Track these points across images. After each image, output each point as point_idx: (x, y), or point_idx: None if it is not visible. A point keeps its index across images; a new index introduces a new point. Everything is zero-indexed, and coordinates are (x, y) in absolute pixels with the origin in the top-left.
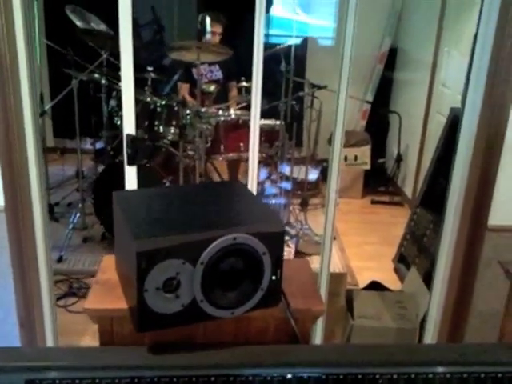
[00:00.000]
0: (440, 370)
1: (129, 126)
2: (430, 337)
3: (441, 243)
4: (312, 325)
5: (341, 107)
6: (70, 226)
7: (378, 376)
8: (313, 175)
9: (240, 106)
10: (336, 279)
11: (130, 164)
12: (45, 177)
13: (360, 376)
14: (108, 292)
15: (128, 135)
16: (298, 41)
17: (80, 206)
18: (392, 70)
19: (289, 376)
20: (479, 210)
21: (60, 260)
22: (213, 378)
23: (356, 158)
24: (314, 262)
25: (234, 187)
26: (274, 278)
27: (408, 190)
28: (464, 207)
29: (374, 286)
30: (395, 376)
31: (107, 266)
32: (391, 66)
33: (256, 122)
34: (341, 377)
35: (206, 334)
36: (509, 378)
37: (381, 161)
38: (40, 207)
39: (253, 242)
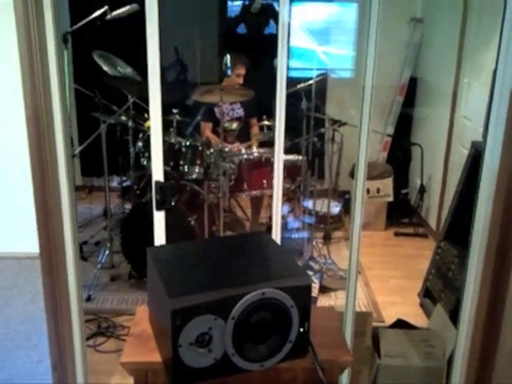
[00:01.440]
0: None
1: (158, 173)
2: (457, 375)
3: (466, 280)
4: (339, 374)
5: (363, 140)
6: (99, 265)
7: None
8: (335, 208)
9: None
10: (362, 318)
11: (158, 209)
12: (76, 219)
13: None
14: (142, 345)
15: (157, 182)
16: (318, 77)
17: (108, 244)
18: (413, 101)
19: None
20: (504, 247)
21: (89, 299)
22: None
23: (378, 190)
24: (339, 298)
25: (261, 240)
26: (301, 330)
27: (432, 222)
28: (488, 243)
29: (400, 324)
30: None
31: (141, 318)
32: (412, 97)
33: (280, 159)
34: None
35: None
36: None
37: (404, 191)
38: (72, 249)
39: (281, 296)
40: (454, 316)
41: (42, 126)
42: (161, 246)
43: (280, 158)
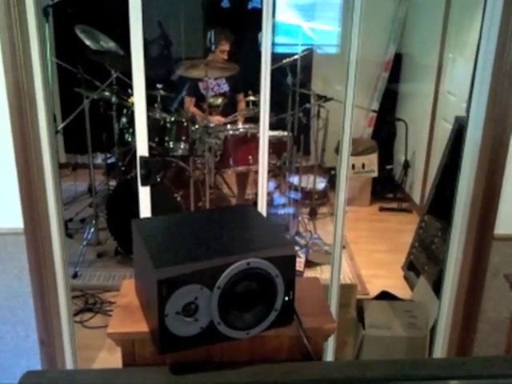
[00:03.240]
0: None
1: (142, 148)
2: (439, 345)
3: (449, 253)
4: (324, 342)
5: (348, 116)
6: (84, 242)
7: None
8: (321, 184)
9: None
10: (346, 290)
11: (143, 184)
12: (61, 195)
13: None
14: (129, 316)
15: (141, 157)
16: (303, 52)
17: (93, 221)
18: (397, 77)
19: None
20: (485, 220)
21: (75, 276)
22: None
23: (363, 166)
24: (325, 272)
25: (246, 212)
26: (286, 298)
27: (416, 197)
28: (470, 217)
29: (384, 296)
30: None
31: (127, 291)
32: (397, 73)
33: (265, 135)
34: None
35: (223, 353)
36: None
37: (388, 167)
38: (57, 226)
39: (266, 266)
40: (437, 287)
41: (24, 101)
42: (146, 219)
43: (265, 133)
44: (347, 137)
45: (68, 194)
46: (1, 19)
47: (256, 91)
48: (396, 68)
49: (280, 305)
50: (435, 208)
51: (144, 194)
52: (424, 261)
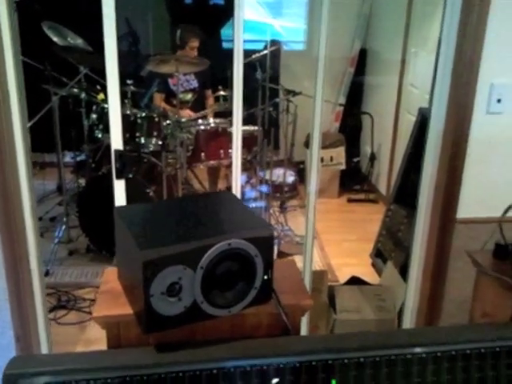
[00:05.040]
0: (417, 350)
1: (116, 141)
2: (407, 325)
3: (414, 237)
4: (301, 318)
5: (317, 110)
6: (56, 240)
7: (362, 360)
8: (290, 178)
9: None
10: (318, 276)
11: (118, 178)
12: (34, 192)
13: (346, 360)
14: (113, 300)
15: (116, 150)
16: (273, 48)
17: (64, 219)
18: (363, 71)
19: (282, 365)
20: (448, 205)
21: (47, 274)
22: (215, 371)
23: (332, 158)
24: (296, 262)
25: (225, 197)
26: (265, 277)
27: (382, 188)
28: (434, 202)
29: (354, 281)
30: (378, 358)
31: (108, 278)
32: (362, 67)
33: (238, 129)
34: (330, 362)
35: (205, 331)
36: (476, 353)
37: (355, 160)
38: (32, 223)
39: (246, 246)
40: (404, 272)
41: None
42: (128, 206)
43: (238, 128)
44: (317, 130)
45: (36, 193)
46: None
47: (225, 86)
48: (361, 63)
49: (259, 283)
50: (401, 197)
51: (119, 187)
52: (391, 247)
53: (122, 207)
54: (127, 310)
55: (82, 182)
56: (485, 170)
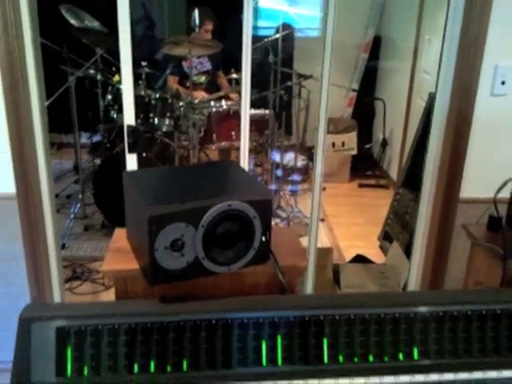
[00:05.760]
0: (421, 309)
1: (129, 117)
2: None
3: (418, 216)
4: (298, 279)
5: (324, 93)
6: (72, 216)
7: (367, 316)
8: (301, 162)
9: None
10: (323, 253)
11: (130, 152)
12: (50, 164)
13: (338, 317)
14: (122, 257)
15: (129, 126)
16: (285, 33)
17: (80, 196)
18: (377, 58)
19: (277, 318)
20: (451, 184)
21: (63, 247)
22: (213, 321)
23: (343, 143)
24: (304, 242)
25: (229, 166)
26: (263, 239)
27: (393, 173)
28: (438, 182)
29: (359, 260)
30: (382, 315)
31: (118, 238)
32: (376, 54)
33: (246, 112)
34: (337, 317)
35: (207, 288)
36: (477, 315)
37: (367, 146)
38: (49, 199)
39: (245, 208)
40: (409, 252)
41: (16, 72)
42: (136, 170)
43: (246, 111)
44: (323, 112)
45: (53, 172)
46: None
47: (238, 69)
48: (375, 50)
49: (258, 244)
50: (409, 181)
51: (131, 161)
52: (398, 230)
53: (130, 172)
54: (134, 265)
55: (98, 161)
56: (488, 151)
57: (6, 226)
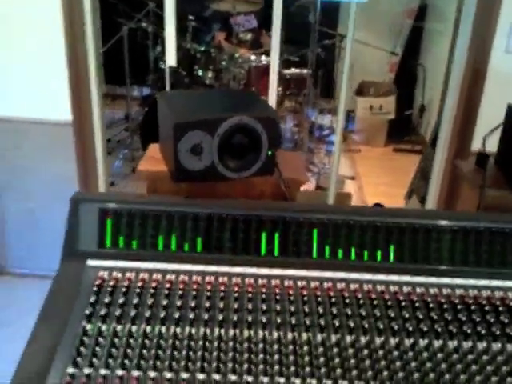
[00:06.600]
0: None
1: (170, 58)
2: None
3: (433, 164)
4: (298, 190)
5: (347, 52)
6: (121, 156)
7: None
8: None
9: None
10: (342, 197)
11: (171, 89)
12: (104, 116)
13: (340, 222)
14: (154, 162)
15: (170, 67)
16: None
17: (129, 141)
18: (422, 24)
19: (277, 217)
20: (464, 137)
21: (112, 184)
22: (224, 215)
23: (381, 107)
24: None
25: (250, 94)
26: (269, 152)
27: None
28: (452, 134)
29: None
30: (365, 223)
31: (152, 150)
32: (421, 21)
33: (275, 65)
34: (326, 221)
35: (220, 194)
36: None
37: (408, 112)
38: (101, 141)
39: (253, 123)
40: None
41: (73, 14)
42: (167, 92)
43: (275, 64)
44: (346, 73)
45: (107, 120)
46: None
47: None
48: (421, 18)
49: (265, 157)
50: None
51: None
52: (420, 185)
53: (163, 92)
54: (164, 168)
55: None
56: (500, 107)
57: (62, 149)
